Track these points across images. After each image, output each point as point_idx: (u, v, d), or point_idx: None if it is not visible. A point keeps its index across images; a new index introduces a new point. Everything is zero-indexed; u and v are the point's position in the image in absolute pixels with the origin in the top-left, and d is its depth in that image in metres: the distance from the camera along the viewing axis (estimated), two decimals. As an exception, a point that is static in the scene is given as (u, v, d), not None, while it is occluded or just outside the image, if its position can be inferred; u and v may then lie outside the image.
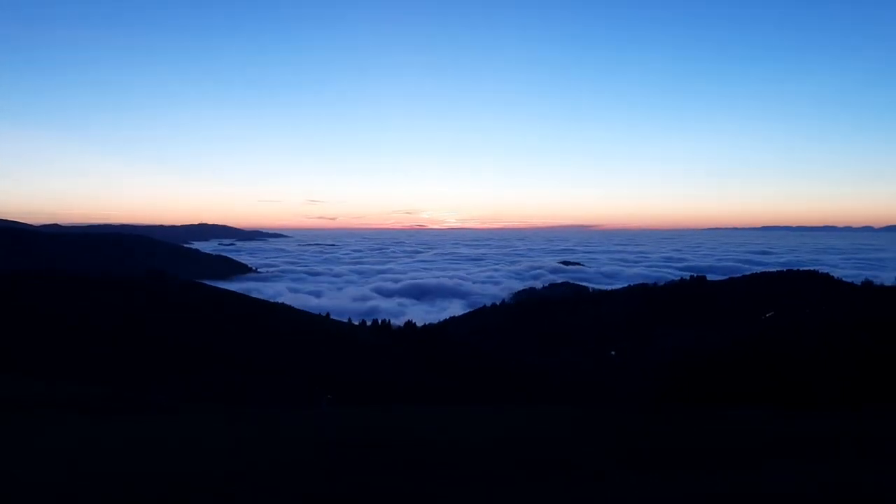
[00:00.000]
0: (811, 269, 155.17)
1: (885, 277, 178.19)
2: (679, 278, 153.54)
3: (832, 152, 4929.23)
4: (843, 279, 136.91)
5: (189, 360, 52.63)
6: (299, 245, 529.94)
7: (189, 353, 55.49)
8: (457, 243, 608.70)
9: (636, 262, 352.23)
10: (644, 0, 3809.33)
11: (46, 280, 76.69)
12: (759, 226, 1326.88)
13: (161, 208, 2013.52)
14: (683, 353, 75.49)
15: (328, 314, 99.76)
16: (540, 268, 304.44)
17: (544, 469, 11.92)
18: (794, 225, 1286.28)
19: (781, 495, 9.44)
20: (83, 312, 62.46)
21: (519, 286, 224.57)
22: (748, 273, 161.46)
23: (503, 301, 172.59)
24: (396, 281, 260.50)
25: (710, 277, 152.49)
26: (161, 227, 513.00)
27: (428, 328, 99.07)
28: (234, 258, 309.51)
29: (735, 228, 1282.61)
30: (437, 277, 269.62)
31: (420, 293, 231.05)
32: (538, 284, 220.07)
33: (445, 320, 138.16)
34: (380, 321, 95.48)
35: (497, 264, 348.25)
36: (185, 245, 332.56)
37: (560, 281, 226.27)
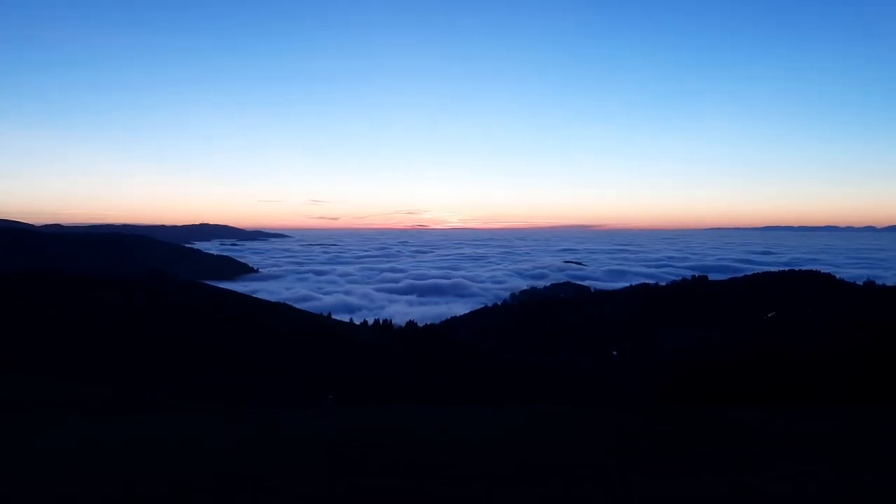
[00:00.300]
0: (813, 269, 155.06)
1: (888, 277, 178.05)
2: (681, 278, 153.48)
3: (834, 152, 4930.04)
4: (845, 279, 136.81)
5: (189, 360, 52.58)
6: (301, 245, 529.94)
7: (189, 353, 55.44)
8: (460, 243, 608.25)
9: (638, 261, 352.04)
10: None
11: (46, 280, 76.68)
12: (761, 226, 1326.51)
13: (162, 208, 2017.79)
14: (685, 353, 75.39)
15: (329, 314, 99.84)
16: (543, 267, 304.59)
17: (544, 469, 11.91)
18: (796, 225, 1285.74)
19: (781, 495, 9.43)
20: (83, 312, 62.43)
21: (523, 286, 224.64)
22: (750, 273, 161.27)
23: (505, 301, 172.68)
24: (400, 280, 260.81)
25: (711, 277, 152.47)
26: (162, 228, 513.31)
27: (429, 328, 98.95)
28: (237, 258, 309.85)
29: (737, 228, 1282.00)
30: (442, 277, 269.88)
31: (425, 292, 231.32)
32: (542, 284, 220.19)
33: (447, 320, 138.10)
34: (381, 321, 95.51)
35: (501, 264, 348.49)
36: (187, 245, 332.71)
37: (562, 281, 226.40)
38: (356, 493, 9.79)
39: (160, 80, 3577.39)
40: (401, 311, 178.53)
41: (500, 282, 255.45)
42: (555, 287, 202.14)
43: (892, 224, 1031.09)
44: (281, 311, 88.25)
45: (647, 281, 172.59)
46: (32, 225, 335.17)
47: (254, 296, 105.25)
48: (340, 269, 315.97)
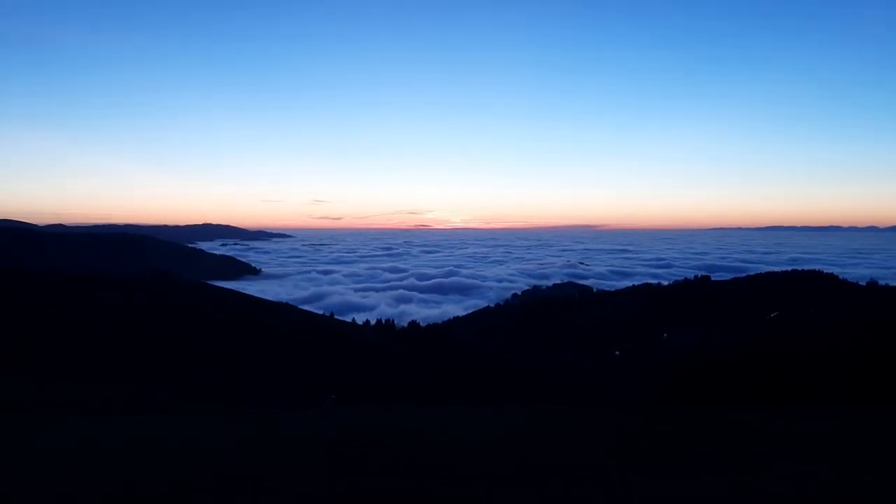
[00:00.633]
0: (815, 268, 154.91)
1: (890, 278, 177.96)
2: (683, 278, 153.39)
3: (836, 152, 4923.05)
4: (848, 279, 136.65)
5: (189, 359, 52.64)
6: (304, 245, 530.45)
7: (189, 352, 55.51)
8: (462, 243, 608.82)
9: (640, 261, 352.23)
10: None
11: (46, 280, 76.78)
12: (764, 226, 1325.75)
13: (164, 208, 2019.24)
14: (687, 353, 75.33)
15: (332, 314, 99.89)
16: (545, 267, 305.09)
17: (544, 469, 11.90)
18: (799, 225, 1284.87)
19: (782, 495, 9.42)
20: (83, 312, 62.52)
21: (525, 286, 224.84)
22: (752, 273, 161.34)
23: (506, 301, 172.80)
24: (403, 280, 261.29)
25: (714, 277, 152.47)
26: (164, 227, 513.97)
27: (430, 328, 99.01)
28: (240, 258, 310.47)
29: (739, 228, 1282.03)
30: (444, 276, 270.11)
31: (427, 292, 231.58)
32: (544, 284, 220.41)
33: (449, 320, 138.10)
34: (383, 321, 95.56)
35: (503, 264, 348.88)
36: (189, 245, 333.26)
37: (564, 281, 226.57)
38: (356, 493, 9.79)
39: (163, 80, 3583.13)
40: (402, 311, 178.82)
41: (502, 281, 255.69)
42: (557, 287, 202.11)
43: (894, 224, 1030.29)
44: (282, 311, 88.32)
45: (649, 281, 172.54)
46: (35, 225, 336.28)
47: (255, 296, 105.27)
48: (343, 268, 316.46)
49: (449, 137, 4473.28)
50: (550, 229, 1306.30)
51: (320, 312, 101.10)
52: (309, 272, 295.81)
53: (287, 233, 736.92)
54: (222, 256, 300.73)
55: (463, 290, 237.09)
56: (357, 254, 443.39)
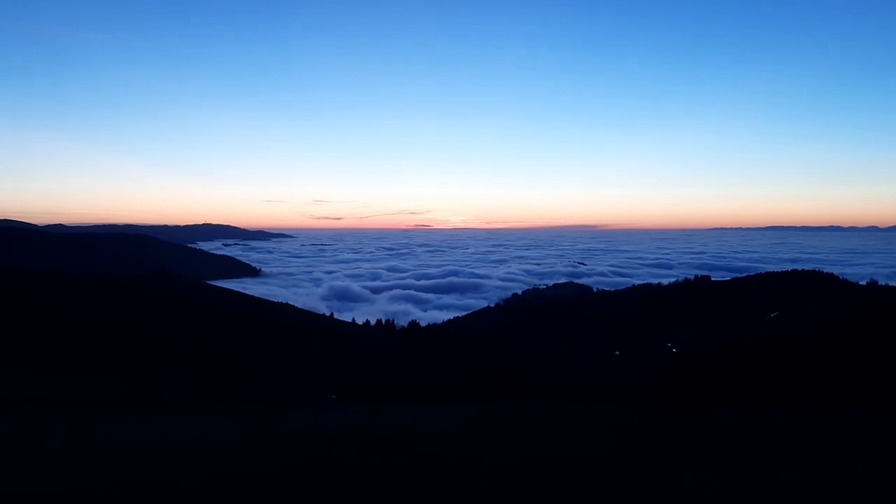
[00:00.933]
0: (815, 268, 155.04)
1: (890, 277, 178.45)
2: (684, 278, 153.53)
3: (837, 152, 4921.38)
4: (848, 279, 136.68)
5: (189, 359, 52.73)
6: (305, 245, 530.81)
7: (189, 352, 55.60)
8: (462, 243, 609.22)
9: (640, 261, 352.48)
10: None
11: (47, 279, 76.97)
12: (763, 225, 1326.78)
13: (165, 208, 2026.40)
14: (687, 352, 75.46)
15: (332, 313, 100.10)
16: (547, 267, 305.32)
17: (544, 467, 11.90)
18: (799, 225, 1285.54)
19: (782, 495, 9.42)
20: (84, 311, 62.64)
21: (528, 285, 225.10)
22: (752, 273, 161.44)
23: (506, 301, 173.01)
24: (404, 279, 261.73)
25: (714, 277, 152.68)
26: (165, 228, 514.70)
27: (431, 327, 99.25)
28: (241, 258, 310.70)
29: (740, 228, 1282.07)
30: (445, 276, 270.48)
31: (428, 291, 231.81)
32: (545, 283, 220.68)
33: (449, 320, 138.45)
34: (384, 320, 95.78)
35: (503, 263, 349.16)
36: (190, 245, 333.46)
37: (564, 281, 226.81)
38: (357, 493, 9.79)
39: (164, 80, 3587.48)
40: (403, 311, 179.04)
41: (502, 281, 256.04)
42: (557, 287, 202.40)
43: (894, 224, 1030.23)
44: (283, 311, 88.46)
45: (649, 280, 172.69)
46: (35, 225, 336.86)
47: (256, 296, 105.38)
48: (343, 268, 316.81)
49: (449, 137, 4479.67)
50: (550, 229, 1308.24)
51: (321, 312, 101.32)
52: (310, 272, 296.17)
53: (288, 233, 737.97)
54: (223, 256, 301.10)
55: (463, 290, 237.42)
56: (357, 254, 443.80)
